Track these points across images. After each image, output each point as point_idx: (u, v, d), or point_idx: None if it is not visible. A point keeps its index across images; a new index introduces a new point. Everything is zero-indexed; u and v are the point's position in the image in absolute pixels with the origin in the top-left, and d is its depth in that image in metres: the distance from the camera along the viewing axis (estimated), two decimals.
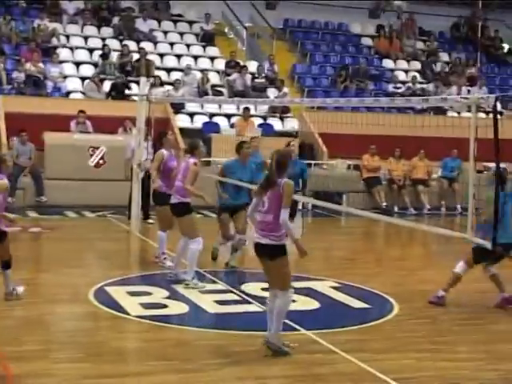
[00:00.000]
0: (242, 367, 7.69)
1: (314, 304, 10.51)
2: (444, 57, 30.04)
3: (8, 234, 8.43)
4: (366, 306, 10.64)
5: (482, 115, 8.91)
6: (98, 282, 11.18)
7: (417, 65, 29.39)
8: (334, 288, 11.41)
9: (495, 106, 7.84)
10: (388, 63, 29.21)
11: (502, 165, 8.21)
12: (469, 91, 25.83)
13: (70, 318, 9.95)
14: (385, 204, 20.96)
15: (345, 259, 13.08)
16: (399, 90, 26.63)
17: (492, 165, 8.42)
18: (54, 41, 24.98)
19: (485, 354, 8.59)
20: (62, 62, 24.55)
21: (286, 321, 8.86)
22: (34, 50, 23.64)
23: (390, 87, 27.09)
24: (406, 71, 28.97)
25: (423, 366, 8.02)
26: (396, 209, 21.27)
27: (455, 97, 21.72)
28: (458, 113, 25.21)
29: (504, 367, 7.83)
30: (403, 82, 27.85)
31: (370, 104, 16.82)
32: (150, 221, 16.81)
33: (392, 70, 28.91)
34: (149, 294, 10.75)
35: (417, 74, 28.49)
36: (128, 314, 9.62)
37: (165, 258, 12.72)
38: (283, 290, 7.83)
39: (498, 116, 7.61)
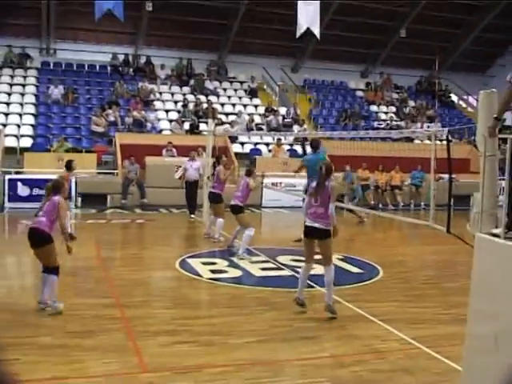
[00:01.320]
0: (277, 312, 7.68)
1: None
2: (411, 103, 29.78)
3: (52, 243, 7.38)
4: (360, 271, 10.58)
5: (438, 142, 8.77)
6: (181, 255, 11.23)
7: (393, 108, 29.16)
8: (339, 259, 11.33)
9: (447, 136, 7.75)
10: (373, 108, 29.03)
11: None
12: (428, 126, 25.54)
13: (162, 280, 10.00)
14: (372, 202, 20.85)
15: (346, 240, 12.99)
16: (381, 126, 26.44)
17: (445, 175, 8.39)
18: (152, 96, 25.16)
19: (440, 303, 8.50)
20: (156, 109, 24.71)
21: (307, 281, 8.84)
22: (138, 102, 23.81)
23: (376, 124, 26.89)
24: (386, 113, 28.76)
25: (400, 311, 7.99)
26: (380, 205, 21.15)
27: (420, 130, 21.54)
28: (422, 140, 24.93)
29: (454, 311, 7.72)
30: (384, 120, 27.64)
31: (363, 135, 16.68)
32: (193, 216, 16.86)
33: (376, 112, 28.71)
34: (215, 263, 10.77)
35: (393, 115, 28.32)
36: (201, 276, 9.65)
37: (219, 237, 12.96)
38: (329, 264, 7.66)
39: (450, 143, 7.53)
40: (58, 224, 7.50)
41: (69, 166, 12.79)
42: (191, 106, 24.66)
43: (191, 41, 27.82)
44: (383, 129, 24.75)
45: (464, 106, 32.05)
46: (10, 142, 20.96)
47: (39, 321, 7.06)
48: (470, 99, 31.27)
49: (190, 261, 10.80)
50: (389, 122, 27.09)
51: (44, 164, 18.89)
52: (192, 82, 26.71)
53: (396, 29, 28.93)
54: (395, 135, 20.51)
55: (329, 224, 7.59)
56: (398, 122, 26.96)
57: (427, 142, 24.85)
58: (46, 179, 18.05)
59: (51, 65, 26.12)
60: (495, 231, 5.27)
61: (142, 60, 27.31)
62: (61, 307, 7.27)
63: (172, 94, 26.10)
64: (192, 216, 16.79)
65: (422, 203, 20.80)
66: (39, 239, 7.40)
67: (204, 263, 10.68)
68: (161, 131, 23.46)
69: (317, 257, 8.01)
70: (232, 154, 21.73)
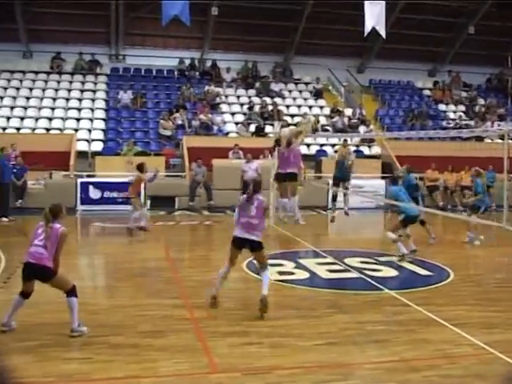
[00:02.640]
0: (346, 315, 7.61)
1: (394, 272, 10.30)
2: (481, 101, 29.01)
3: (57, 274, 6.70)
4: (430, 273, 10.35)
5: (510, 141, 8.54)
6: (248, 256, 11.23)
7: (462, 107, 28.48)
8: (408, 261, 11.15)
9: None
10: (442, 107, 28.42)
11: None
12: (499, 125, 24.84)
13: (230, 281, 9.99)
14: (441, 203, 20.42)
15: (415, 242, 12.74)
16: (450, 125, 25.87)
17: None
18: (218, 99, 25.40)
19: None
20: (223, 112, 24.92)
21: (374, 283, 8.75)
22: (205, 105, 24.09)
23: (444, 123, 26.33)
24: (455, 112, 28.10)
25: (472, 315, 7.77)
26: (449, 206, 20.67)
27: (492, 129, 20.94)
28: (492, 140, 24.30)
29: None
30: (452, 119, 27.02)
31: (432, 135, 16.33)
32: None
33: (444, 112, 28.10)
34: (282, 265, 10.75)
35: (462, 114, 27.66)
36: (269, 278, 9.65)
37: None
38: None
39: None
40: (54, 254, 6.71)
41: (141, 168, 13.32)
42: (257, 108, 24.76)
43: (256, 43, 27.93)
44: (452, 128, 24.21)
45: None
46: (82, 147, 21.58)
47: (111, 321, 7.21)
48: None
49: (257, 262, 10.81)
50: (458, 121, 26.47)
51: (114, 167, 19.37)
52: (257, 84, 26.83)
53: (464, 26, 28.26)
54: (466, 134, 20.00)
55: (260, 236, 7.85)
56: (468, 121, 26.31)
57: (498, 141, 24.25)
58: (117, 182, 18.69)
59: (120, 70, 26.75)
60: None
61: (208, 64, 27.63)
62: (85, 331, 6.64)
63: (238, 97, 26.28)
64: None
65: (494, 204, 20.19)
66: (42, 276, 6.69)
67: (271, 264, 10.64)
68: (227, 134, 23.64)
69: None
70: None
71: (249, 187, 7.96)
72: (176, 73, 27.17)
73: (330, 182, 17.32)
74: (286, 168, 13.27)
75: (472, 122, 26.03)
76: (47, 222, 6.79)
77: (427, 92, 29.61)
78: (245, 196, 8.05)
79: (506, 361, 6.06)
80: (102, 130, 22.91)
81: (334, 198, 14.64)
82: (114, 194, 18.64)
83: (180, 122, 23.22)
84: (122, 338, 6.58)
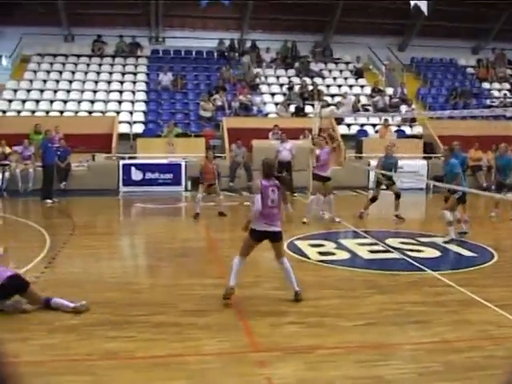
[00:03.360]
0: (386, 295, 7.58)
1: (436, 253, 10.19)
2: None
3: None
4: (473, 254, 10.21)
5: None
6: (289, 237, 11.26)
7: (506, 85, 27.82)
8: (447, 242, 11.02)
9: None
10: (486, 85, 27.81)
11: None
12: None
13: (271, 261, 10.01)
14: (485, 184, 20.07)
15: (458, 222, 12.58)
16: (494, 104, 25.34)
17: None
18: (257, 80, 25.34)
19: None
20: (262, 93, 24.87)
21: (417, 264, 8.66)
22: (245, 86, 24.08)
23: (488, 102, 25.80)
24: (499, 90, 27.48)
25: None
26: (493, 187, 20.29)
27: None
28: None
29: None
30: (497, 98, 26.44)
31: (476, 113, 15.99)
32: (295, 194, 17.20)
33: (489, 90, 27.50)
34: (323, 245, 10.75)
35: (507, 92, 27.04)
36: (309, 258, 9.68)
37: (323, 214, 13.33)
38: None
39: None
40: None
41: (206, 155, 14.46)
42: (297, 88, 24.62)
43: (295, 23, 27.72)
44: (496, 107, 23.70)
45: None
46: (124, 129, 21.84)
47: (153, 300, 7.32)
48: None
49: (298, 243, 10.84)
50: (502, 99, 25.88)
51: (155, 149, 19.58)
52: (297, 64, 26.67)
53: (508, 1, 27.46)
54: (510, 113, 19.57)
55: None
56: None
57: None
58: (158, 164, 18.88)
59: (160, 53, 26.90)
60: None
61: (248, 44, 27.54)
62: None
63: (277, 78, 26.17)
64: (294, 195, 17.01)
65: None
66: (22, 287, 6.82)
67: (312, 245, 10.69)
68: (267, 114, 23.60)
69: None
70: (338, 135, 21.56)
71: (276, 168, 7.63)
72: (215, 54, 27.18)
73: (372, 162, 17.15)
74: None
75: None
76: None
77: (471, 70, 28.99)
78: (263, 181, 7.22)
79: None
80: (143, 112, 23.12)
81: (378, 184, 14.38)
82: (156, 175, 18.84)
83: (220, 104, 23.26)
84: (165, 317, 6.69)
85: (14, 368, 2.18)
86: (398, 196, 13.64)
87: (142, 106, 23.40)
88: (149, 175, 18.83)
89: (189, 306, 7.10)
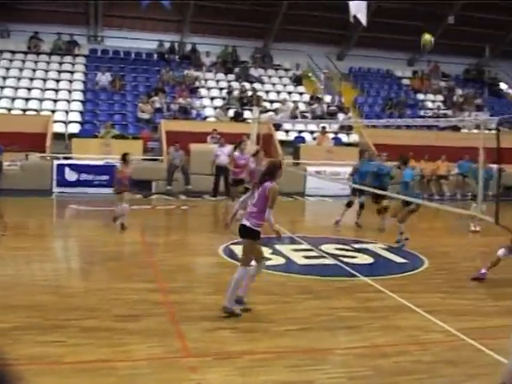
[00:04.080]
0: (319, 301, 7.66)
1: (369, 259, 10.38)
2: (459, 91, 29.20)
3: None
4: (405, 261, 10.45)
5: (486, 131, 8.66)
6: (224, 241, 11.26)
7: (440, 97, 28.65)
8: (383, 248, 11.25)
9: (497, 125, 7.60)
10: (420, 96, 28.56)
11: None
12: (476, 115, 25.06)
13: (206, 266, 10.07)
14: (417, 192, 20.54)
15: (390, 229, 12.84)
16: (428, 115, 26.05)
17: (494, 165, 8.20)
18: (197, 83, 25.26)
19: (486, 295, 8.37)
20: (201, 97, 24.80)
21: (350, 270, 8.80)
22: (184, 89, 23.95)
23: (422, 112, 26.50)
24: (433, 101, 28.27)
25: (444, 302, 7.88)
26: (425, 195, 20.84)
27: (469, 119, 21.12)
28: (469, 129, 24.51)
29: (501, 304, 7.60)
30: (431, 109, 27.21)
31: (410, 123, 16.42)
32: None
33: (423, 101, 28.25)
34: None
35: (440, 104, 27.85)
36: None
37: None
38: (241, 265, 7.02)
39: (499, 132, 7.38)
40: None
41: (125, 158, 12.67)
42: (236, 93, 24.66)
43: (237, 28, 27.77)
44: (430, 117, 24.38)
45: None
46: (59, 128, 21.34)
47: (85, 304, 7.18)
48: None
49: (233, 247, 10.82)
50: (436, 110, 26.65)
51: (91, 150, 19.23)
52: (237, 69, 26.72)
53: (444, 16, 28.33)
54: (443, 124, 20.16)
55: (258, 225, 6.93)
56: (446, 111, 26.49)
57: (475, 131, 24.47)
58: (93, 165, 18.53)
59: (99, 52, 26.46)
60: None
61: (188, 47, 27.43)
62: None
63: (217, 82, 26.15)
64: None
65: (469, 193, 20.42)
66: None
67: None
68: (206, 118, 23.55)
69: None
70: (276, 141, 21.71)
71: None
72: (155, 56, 26.95)
73: (309, 168, 17.35)
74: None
75: (450, 112, 26.22)
76: None
77: (406, 81, 29.76)
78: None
79: (477, 347, 6.16)
80: (80, 111, 22.67)
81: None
82: (91, 177, 18.50)
83: (158, 106, 23.06)
84: (96, 322, 6.56)
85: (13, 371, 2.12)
86: (362, 206, 13.80)
87: (78, 106, 22.93)
88: (84, 176, 18.46)
89: (121, 310, 6.99)
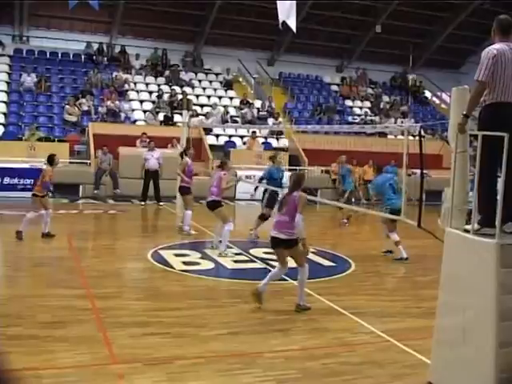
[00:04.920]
0: (249, 305, 7.69)
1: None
2: (385, 98, 29.99)
3: None
4: (333, 264, 10.66)
5: (411, 137, 8.94)
6: (153, 246, 11.21)
7: (367, 104, 29.35)
8: (312, 252, 11.39)
9: (420, 131, 7.85)
10: (348, 102, 29.16)
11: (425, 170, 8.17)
12: (402, 122, 25.81)
13: (134, 271, 9.97)
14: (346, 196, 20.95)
15: (318, 233, 13.07)
16: (356, 121, 26.62)
17: (417, 170, 8.46)
18: (126, 86, 24.96)
19: (411, 296, 8.62)
20: (131, 100, 24.53)
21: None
22: (113, 92, 23.62)
23: (350, 118, 27.06)
24: (361, 108, 28.94)
25: (371, 305, 8.07)
26: (353, 200, 21.25)
27: (393, 125, 21.72)
28: (395, 136, 25.21)
29: (425, 305, 7.84)
30: (358, 115, 27.81)
31: (337, 129, 16.75)
32: (161, 203, 17.45)
33: (351, 107, 28.86)
34: (187, 255, 10.77)
35: (368, 110, 28.51)
36: (173, 268, 9.65)
37: (189, 229, 12.88)
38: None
39: (422, 138, 7.63)
40: None
41: (51, 160, 12.34)
42: (166, 96, 24.52)
43: (167, 31, 27.64)
44: (357, 123, 24.92)
45: (437, 102, 32.39)
46: None
47: (9, 311, 6.98)
48: (444, 96, 31.59)
49: (162, 252, 10.78)
50: (363, 116, 27.27)
51: (15, 153, 18.69)
52: (167, 72, 26.58)
53: (372, 24, 29.06)
54: (369, 130, 20.66)
55: (293, 233, 7.46)
56: (373, 117, 27.15)
57: (400, 137, 25.18)
58: (18, 168, 18.01)
59: (24, 52, 25.75)
60: (467, 227, 5.36)
61: (117, 49, 27.08)
62: None
63: (147, 85, 25.92)
64: (161, 204, 17.13)
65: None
66: None
67: (176, 255, 10.67)
68: (135, 122, 23.30)
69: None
70: (206, 146, 21.70)
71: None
72: (83, 57, 26.45)
73: (239, 172, 17.40)
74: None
75: (377, 118, 26.88)
76: None
77: (335, 87, 30.34)
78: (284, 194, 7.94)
79: (402, 348, 6.35)
80: (3, 113, 21.99)
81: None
82: (15, 181, 17.99)
83: (86, 108, 22.66)
84: (21, 329, 6.40)
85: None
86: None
87: (2, 108, 22.24)
88: (7, 180, 17.93)
89: (47, 317, 6.83)
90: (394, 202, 11.03)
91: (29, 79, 23.33)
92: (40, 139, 19.85)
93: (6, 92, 23.09)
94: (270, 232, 7.67)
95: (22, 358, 5.61)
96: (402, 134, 9.25)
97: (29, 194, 17.45)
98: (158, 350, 5.98)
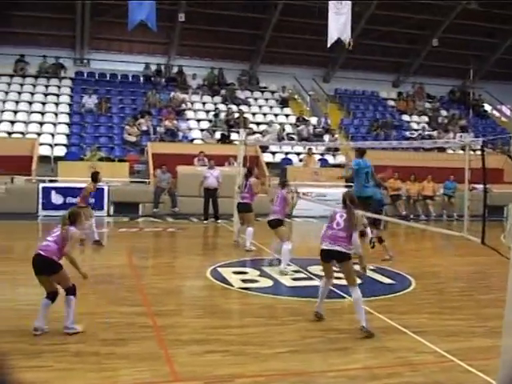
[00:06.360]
0: (309, 323, 7.61)
1: (357, 281, 10.34)
2: (443, 113, 29.52)
3: (62, 269, 6.95)
4: (392, 282, 10.45)
5: (471, 152, 8.75)
6: (212, 264, 11.24)
7: (425, 118, 28.96)
8: (371, 270, 11.25)
9: (482, 146, 7.66)
10: (405, 117, 28.85)
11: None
12: (461, 136, 25.35)
13: (194, 289, 10.01)
14: (404, 213, 20.67)
15: (378, 250, 12.86)
16: (413, 136, 26.27)
17: (478, 185, 8.26)
18: (183, 106, 25.34)
19: (475, 315, 8.36)
20: (188, 119, 24.89)
21: (337, 291, 8.81)
22: (171, 112, 24.03)
23: (407, 134, 26.72)
24: (418, 123, 28.56)
25: (433, 323, 7.85)
26: (412, 216, 20.93)
27: (454, 140, 21.31)
28: (454, 150, 24.76)
29: (489, 324, 7.59)
30: (416, 130, 27.45)
31: (395, 145, 16.53)
32: (219, 221, 17.66)
33: (408, 122, 28.53)
34: (246, 273, 10.76)
35: (425, 125, 28.11)
36: (232, 286, 9.63)
37: (250, 246, 12.90)
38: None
39: (484, 153, 7.44)
40: (66, 255, 6.98)
41: (95, 177, 13.14)
42: (222, 115, 24.77)
43: (223, 51, 27.99)
44: (415, 139, 24.58)
45: (497, 115, 31.67)
46: (45, 151, 21.28)
47: None
48: (504, 109, 30.88)
49: (221, 270, 10.79)
50: (421, 131, 26.88)
51: (77, 173, 19.12)
52: (223, 91, 26.86)
53: (428, 38, 28.73)
54: (428, 145, 20.32)
55: (349, 248, 7.47)
56: (431, 132, 26.73)
57: (460, 152, 24.68)
58: (79, 188, 18.42)
59: (85, 75, 26.52)
60: None
61: (174, 70, 27.56)
62: (79, 329, 6.88)
63: (203, 104, 26.27)
64: (218, 221, 17.22)
65: (455, 214, 20.56)
66: (48, 268, 6.91)
67: (235, 272, 10.67)
68: (192, 140, 23.59)
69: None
70: (263, 163, 21.77)
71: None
72: (141, 78, 27.03)
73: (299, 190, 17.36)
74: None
75: (435, 133, 26.46)
76: (63, 225, 7.10)
77: (391, 102, 30.05)
78: (338, 210, 7.85)
79: (465, 368, 6.14)
80: (66, 134, 22.65)
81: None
82: (77, 200, 18.37)
83: (145, 128, 23.09)
84: (83, 346, 6.49)
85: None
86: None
87: (64, 129, 22.91)
88: (70, 199, 18.34)
89: (109, 334, 6.92)
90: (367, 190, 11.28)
91: (90, 101, 23.97)
92: (101, 159, 20.32)
93: (68, 114, 23.79)
94: (321, 245, 7.60)
95: (84, 374, 5.71)
96: (463, 149, 9.07)
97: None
98: (218, 368, 5.96)
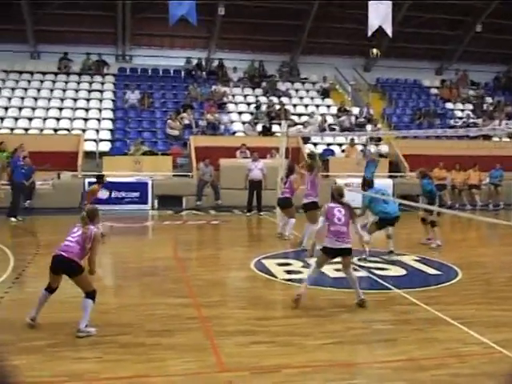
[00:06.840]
0: (353, 314, 7.61)
1: (402, 271, 10.28)
2: (488, 100, 28.90)
3: (83, 271, 6.90)
4: (438, 272, 10.33)
5: None
6: (256, 256, 11.28)
7: (469, 106, 28.39)
8: (416, 260, 11.14)
9: None
10: (449, 105, 28.32)
11: None
12: (507, 123, 24.81)
13: (238, 280, 10.07)
14: (449, 202, 20.34)
15: (422, 241, 12.72)
16: (458, 124, 25.81)
17: None
18: (225, 99, 25.42)
19: None
20: (229, 112, 24.94)
21: (383, 282, 8.74)
22: (212, 105, 24.13)
23: (451, 122, 26.26)
24: (462, 110, 28.03)
25: (480, 314, 7.76)
26: (457, 205, 20.61)
27: (500, 127, 20.89)
28: (500, 138, 24.25)
29: None
30: (460, 118, 26.95)
31: (440, 134, 16.27)
32: (262, 213, 17.58)
33: (452, 110, 28.01)
34: (289, 264, 10.77)
35: (470, 112, 27.57)
36: (276, 277, 9.67)
37: (290, 235, 13.18)
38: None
39: None
40: (88, 256, 6.94)
41: (102, 180, 13.64)
42: (264, 107, 24.75)
43: (263, 43, 27.94)
44: (459, 127, 24.16)
45: None
46: (90, 147, 21.62)
47: (119, 320, 7.23)
48: None
49: (264, 261, 10.83)
50: (465, 119, 26.39)
51: (122, 167, 19.41)
52: (264, 83, 26.83)
53: (472, 24, 28.15)
54: (473, 133, 19.96)
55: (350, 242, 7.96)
56: (475, 120, 26.21)
57: (506, 139, 24.18)
58: (124, 182, 18.72)
59: (127, 71, 26.79)
60: None
61: (215, 63, 27.66)
62: (92, 332, 6.67)
63: (245, 96, 26.29)
64: (261, 213, 17.26)
65: (502, 203, 20.17)
66: (70, 269, 6.87)
67: (279, 264, 10.69)
68: (234, 133, 23.65)
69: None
70: (305, 154, 21.69)
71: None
72: (183, 72, 27.21)
73: (338, 180, 17.24)
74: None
75: (480, 121, 25.94)
76: (84, 224, 6.99)
77: (434, 90, 29.53)
78: (331, 204, 8.09)
79: None
80: (110, 130, 22.96)
81: None
82: (122, 194, 18.69)
83: (187, 122, 23.24)
84: (131, 337, 6.60)
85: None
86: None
87: (108, 124, 23.23)
88: (115, 194, 18.64)
89: (155, 325, 7.02)
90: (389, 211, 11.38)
91: (133, 96, 24.24)
92: (145, 153, 20.54)
93: (111, 109, 24.11)
94: (327, 243, 7.90)
95: (132, 365, 5.81)
96: (510, 137, 8.85)
97: (135, 207, 18.26)
98: (264, 359, 6.00)
